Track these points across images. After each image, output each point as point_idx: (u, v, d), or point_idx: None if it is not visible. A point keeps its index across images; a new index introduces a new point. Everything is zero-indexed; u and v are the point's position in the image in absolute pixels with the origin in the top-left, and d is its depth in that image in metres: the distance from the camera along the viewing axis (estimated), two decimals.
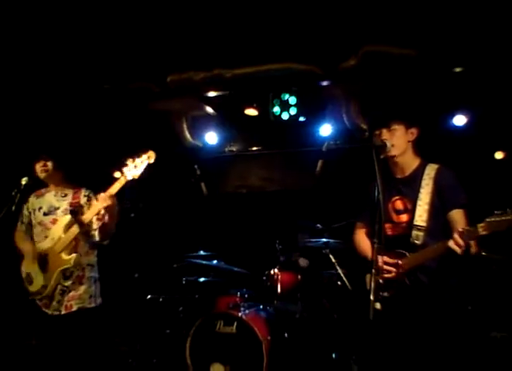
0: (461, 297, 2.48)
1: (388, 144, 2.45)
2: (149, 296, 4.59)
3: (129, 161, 2.81)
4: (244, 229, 5.55)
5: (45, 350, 2.91)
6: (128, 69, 4.34)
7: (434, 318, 2.38)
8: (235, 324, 3.80)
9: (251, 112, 4.89)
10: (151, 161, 2.84)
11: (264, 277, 4.43)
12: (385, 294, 2.39)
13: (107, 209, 2.83)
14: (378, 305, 2.00)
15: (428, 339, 2.36)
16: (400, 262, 2.42)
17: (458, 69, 3.98)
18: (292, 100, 4.71)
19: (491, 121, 4.49)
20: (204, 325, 3.87)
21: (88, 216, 2.87)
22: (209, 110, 5.13)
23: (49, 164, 3.03)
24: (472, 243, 2.18)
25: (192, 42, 3.99)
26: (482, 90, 4.23)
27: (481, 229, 2.09)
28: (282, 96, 4.74)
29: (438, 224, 2.42)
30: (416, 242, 2.43)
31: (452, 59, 3.90)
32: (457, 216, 2.38)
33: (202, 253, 4.59)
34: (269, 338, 3.79)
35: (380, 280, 2.60)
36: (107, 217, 2.91)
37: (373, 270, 2.09)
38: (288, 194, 5.65)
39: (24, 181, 2.97)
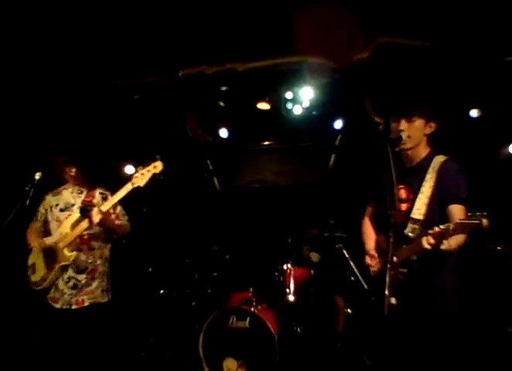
0: (456, 292, 2.39)
1: (404, 136, 2.39)
2: (162, 291, 4.61)
3: (139, 169, 2.83)
4: (256, 223, 5.53)
5: (51, 344, 2.92)
6: (139, 65, 4.33)
7: (428, 313, 2.30)
8: (248, 319, 3.79)
9: (264, 106, 4.86)
10: (157, 171, 2.84)
11: (277, 272, 4.41)
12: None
13: (101, 220, 2.86)
14: (393, 300, 1.96)
15: (424, 333, 2.29)
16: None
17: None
18: (305, 93, 4.67)
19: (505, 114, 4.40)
20: (217, 320, 3.87)
21: (97, 217, 2.88)
22: (221, 104, 5.12)
23: (77, 168, 3.16)
24: (446, 241, 2.05)
25: (204, 36, 3.97)
26: (496, 82, 4.15)
27: (452, 231, 1.99)
28: (295, 89, 4.70)
29: (436, 218, 2.34)
30: (410, 235, 2.35)
31: (467, 51, 3.83)
32: (454, 211, 2.29)
33: (214, 247, 4.59)
34: (282, 333, 3.77)
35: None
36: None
37: (389, 265, 2.06)
38: (301, 188, 5.62)
39: (37, 176, 2.98)
